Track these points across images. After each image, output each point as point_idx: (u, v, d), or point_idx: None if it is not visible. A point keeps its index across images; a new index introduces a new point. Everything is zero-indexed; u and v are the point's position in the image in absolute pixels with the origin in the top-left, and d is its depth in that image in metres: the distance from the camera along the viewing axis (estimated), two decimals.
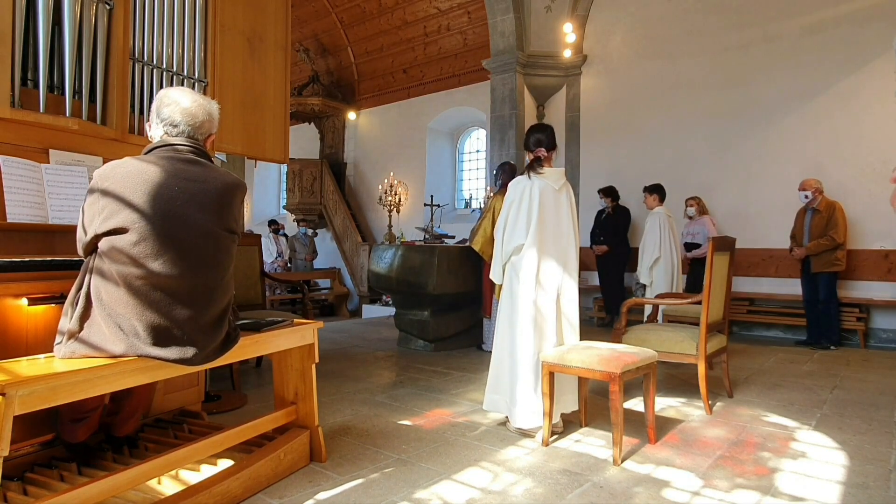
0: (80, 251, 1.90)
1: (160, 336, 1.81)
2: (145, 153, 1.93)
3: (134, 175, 1.80)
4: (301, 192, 11.67)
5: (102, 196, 1.79)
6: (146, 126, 2.04)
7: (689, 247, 6.18)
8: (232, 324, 2.08)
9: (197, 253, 1.88)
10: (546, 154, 3.11)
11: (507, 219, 3.04)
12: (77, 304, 1.82)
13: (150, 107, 2.09)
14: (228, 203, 1.99)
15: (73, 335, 1.79)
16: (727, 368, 3.81)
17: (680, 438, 2.93)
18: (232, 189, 2.00)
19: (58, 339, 1.83)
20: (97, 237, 1.80)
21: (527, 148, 3.19)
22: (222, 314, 2.01)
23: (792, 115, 6.55)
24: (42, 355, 1.83)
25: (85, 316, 1.80)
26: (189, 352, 1.86)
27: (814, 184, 5.73)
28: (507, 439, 2.90)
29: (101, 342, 1.77)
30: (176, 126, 1.95)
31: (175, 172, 1.86)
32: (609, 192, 7.10)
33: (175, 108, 1.94)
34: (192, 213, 1.87)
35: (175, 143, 1.94)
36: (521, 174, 3.12)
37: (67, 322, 1.81)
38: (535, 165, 3.07)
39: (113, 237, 1.77)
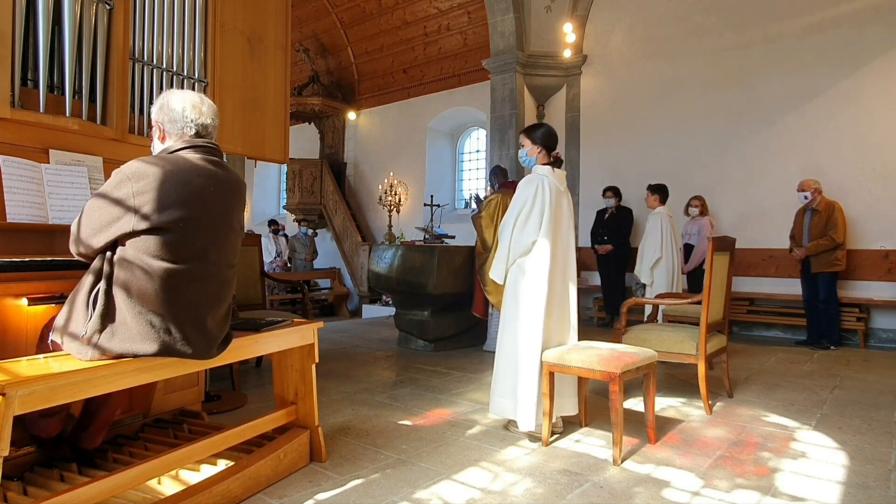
0: (84, 247, 1.81)
1: (191, 331, 1.85)
2: (171, 152, 1.91)
3: (172, 176, 1.80)
4: (301, 192, 11.67)
5: (138, 195, 1.75)
6: (158, 125, 1.99)
7: (686, 248, 6.17)
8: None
9: (225, 249, 1.96)
10: (561, 156, 3.12)
11: (519, 216, 2.94)
12: (96, 302, 1.76)
13: (150, 107, 2.08)
14: (243, 201, 2.09)
15: (93, 335, 1.73)
16: (727, 368, 3.81)
17: (680, 438, 2.93)
18: (244, 188, 2.10)
19: (66, 340, 1.78)
20: (132, 234, 1.75)
21: (535, 141, 3.04)
22: (229, 308, 2.07)
23: (792, 115, 6.56)
24: (42, 355, 1.83)
25: (108, 313, 1.75)
26: (211, 345, 1.94)
27: (812, 184, 5.73)
28: (507, 439, 2.90)
29: (128, 341, 1.75)
30: (205, 126, 1.99)
31: (209, 173, 1.91)
32: (616, 192, 7.11)
33: (199, 109, 1.97)
34: (221, 212, 1.94)
35: (206, 144, 1.97)
36: (535, 172, 3.04)
37: (84, 322, 1.75)
38: (558, 166, 3.05)
39: (150, 235, 1.76)
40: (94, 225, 1.78)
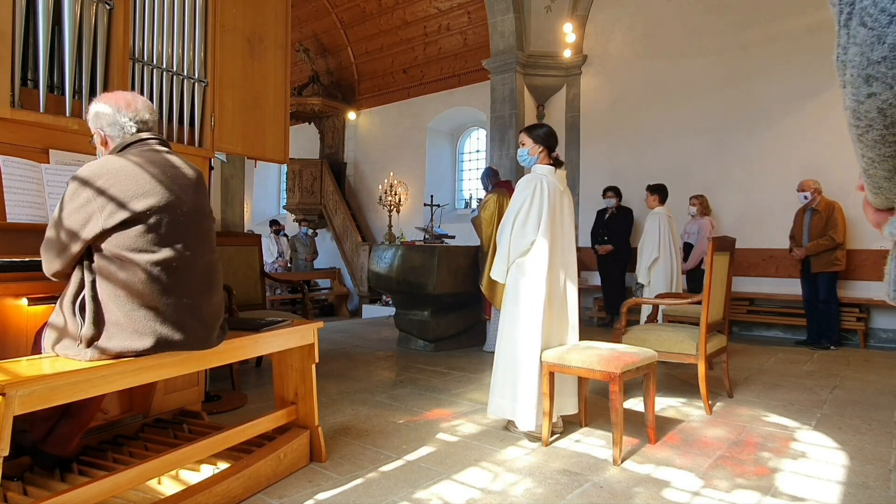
0: (61, 264, 1.81)
1: (187, 318, 1.86)
2: (121, 150, 1.93)
3: (129, 168, 1.83)
4: (301, 192, 11.67)
5: (99, 194, 1.76)
6: (98, 133, 1.99)
7: (686, 247, 6.19)
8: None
9: (200, 234, 1.97)
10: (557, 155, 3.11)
11: (518, 216, 2.94)
12: (84, 307, 1.76)
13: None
14: (205, 187, 2.11)
15: (91, 340, 1.74)
16: (727, 368, 3.81)
17: (680, 438, 2.93)
18: (202, 174, 2.12)
19: (65, 343, 1.78)
20: (104, 233, 1.76)
21: (537, 140, 3.03)
22: (222, 296, 2.10)
23: (792, 115, 6.55)
24: (42, 355, 1.83)
25: (99, 318, 1.76)
26: (210, 332, 1.96)
27: (812, 184, 5.73)
28: (507, 439, 2.90)
29: (126, 340, 1.76)
30: (145, 122, 2.01)
31: (164, 161, 1.94)
32: (617, 192, 7.12)
33: (135, 107, 1.98)
34: (187, 198, 1.95)
35: (153, 136, 2.00)
36: (535, 172, 3.04)
37: (77, 331, 1.75)
38: (559, 165, 3.05)
39: (124, 230, 1.77)
40: (64, 237, 1.78)
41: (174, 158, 1.99)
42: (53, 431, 2.06)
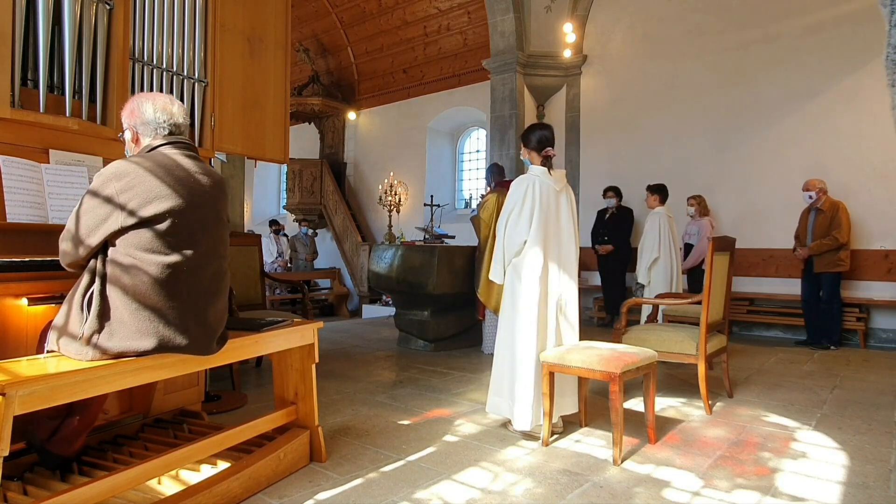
0: (75, 257, 1.84)
1: (191, 323, 1.86)
2: (150, 150, 1.95)
3: (152, 171, 1.84)
4: (301, 192, 11.68)
5: (121, 192, 1.78)
6: (131, 129, 2.01)
7: (687, 248, 6.19)
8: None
9: (213, 239, 1.98)
10: (554, 153, 3.11)
11: (510, 217, 3.00)
12: (91, 303, 1.77)
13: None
14: (225, 193, 2.12)
15: (92, 335, 1.74)
16: (727, 368, 3.81)
17: (680, 438, 2.93)
18: (224, 181, 2.14)
19: (63, 344, 1.78)
20: (122, 230, 1.78)
21: (528, 145, 3.11)
22: (227, 302, 2.10)
23: (792, 115, 6.55)
24: (42, 355, 1.83)
25: (104, 313, 1.77)
26: (211, 338, 1.96)
27: (817, 184, 5.72)
28: (507, 439, 2.90)
29: (127, 339, 1.76)
30: (178, 126, 2.03)
31: (189, 166, 1.96)
32: (618, 192, 7.12)
33: (169, 111, 2.00)
34: (206, 202, 1.97)
35: (183, 140, 2.02)
36: (529, 173, 3.07)
37: (80, 325, 1.76)
38: (549, 165, 3.06)
39: (141, 229, 1.79)
40: (83, 230, 1.81)
41: (199, 164, 2.01)
42: (58, 431, 2.07)
